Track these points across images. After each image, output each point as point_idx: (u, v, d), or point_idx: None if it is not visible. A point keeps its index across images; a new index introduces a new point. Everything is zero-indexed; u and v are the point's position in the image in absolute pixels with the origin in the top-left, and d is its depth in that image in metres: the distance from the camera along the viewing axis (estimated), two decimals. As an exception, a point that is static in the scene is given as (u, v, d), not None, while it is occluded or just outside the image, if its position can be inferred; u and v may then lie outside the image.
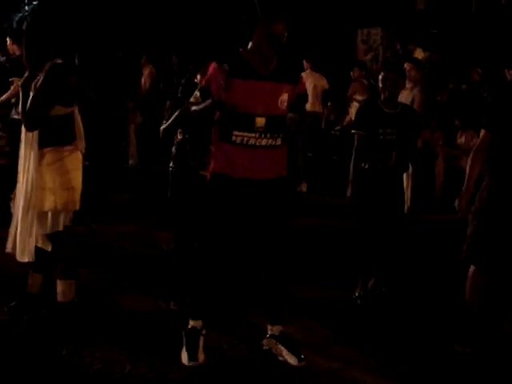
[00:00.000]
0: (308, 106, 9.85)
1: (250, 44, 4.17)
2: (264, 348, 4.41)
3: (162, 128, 4.93)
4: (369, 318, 5.14)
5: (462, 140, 9.52)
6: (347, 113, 11.07)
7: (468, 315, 4.55)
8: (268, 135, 4.15)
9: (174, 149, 5.05)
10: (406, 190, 6.44)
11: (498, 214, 4.40)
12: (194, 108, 4.27)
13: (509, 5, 13.62)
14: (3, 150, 5.05)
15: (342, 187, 9.50)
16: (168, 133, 4.91)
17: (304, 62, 10.24)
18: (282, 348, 4.32)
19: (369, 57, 14.67)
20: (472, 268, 4.52)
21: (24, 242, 4.53)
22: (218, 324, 4.72)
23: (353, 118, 10.21)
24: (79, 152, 4.69)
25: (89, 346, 4.35)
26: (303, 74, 9.97)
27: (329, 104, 11.23)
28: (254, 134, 4.12)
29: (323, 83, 10.41)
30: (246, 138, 4.12)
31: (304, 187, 9.96)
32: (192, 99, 4.16)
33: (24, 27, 4.85)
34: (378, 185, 5.39)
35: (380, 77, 5.44)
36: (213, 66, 4.11)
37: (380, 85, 5.43)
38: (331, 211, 8.68)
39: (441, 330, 4.92)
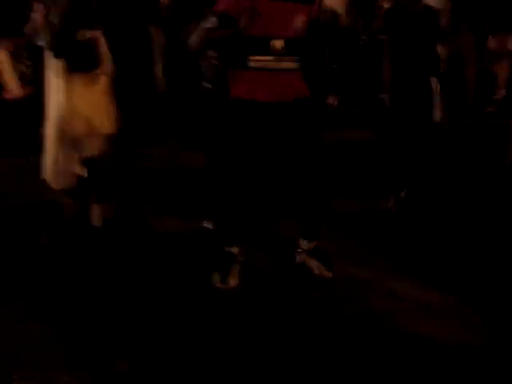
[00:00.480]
0: (329, 21, 9.71)
1: None
2: (298, 262, 4.45)
3: (189, 42, 4.79)
4: (403, 229, 5.15)
5: (493, 44, 9.30)
6: (374, 21, 10.78)
7: None
8: (287, 58, 4.07)
9: (208, 69, 4.94)
10: (436, 97, 6.35)
11: None
12: (212, 34, 4.12)
13: None
14: (31, 77, 5.04)
15: (372, 99, 9.55)
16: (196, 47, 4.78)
17: None
18: (316, 261, 4.37)
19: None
20: None
21: (58, 170, 4.58)
22: (253, 241, 4.74)
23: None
24: (107, 76, 4.68)
25: (124, 270, 4.42)
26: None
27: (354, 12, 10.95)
28: (271, 57, 4.03)
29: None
30: (263, 62, 4.04)
31: (335, 100, 9.79)
32: (209, 25, 4.02)
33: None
34: (406, 90, 5.33)
35: None
36: None
37: None
38: (363, 123, 8.60)
39: (477, 237, 4.92)
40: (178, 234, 5.01)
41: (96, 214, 4.75)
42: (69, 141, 4.54)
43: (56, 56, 4.43)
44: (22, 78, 5.07)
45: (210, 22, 4.03)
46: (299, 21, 4.07)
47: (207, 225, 5.01)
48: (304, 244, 4.44)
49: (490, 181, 6.14)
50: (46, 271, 4.36)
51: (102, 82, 4.63)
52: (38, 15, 5.54)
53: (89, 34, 4.48)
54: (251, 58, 4.04)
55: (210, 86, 4.84)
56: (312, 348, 3.54)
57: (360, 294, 4.12)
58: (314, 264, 4.38)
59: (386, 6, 10.12)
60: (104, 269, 4.40)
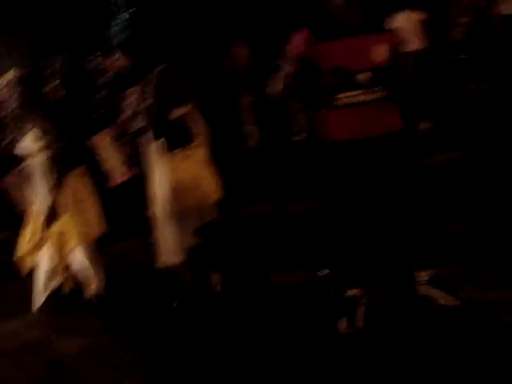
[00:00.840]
0: (408, 47, 9.66)
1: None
2: (419, 295, 4.39)
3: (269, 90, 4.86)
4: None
5: None
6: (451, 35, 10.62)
7: None
8: (375, 89, 4.06)
9: (296, 121, 4.97)
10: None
11: None
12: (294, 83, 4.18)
13: None
14: (135, 160, 5.26)
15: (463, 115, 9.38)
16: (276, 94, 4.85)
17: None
18: (437, 291, 4.30)
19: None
20: None
21: (173, 245, 4.72)
22: (372, 281, 4.73)
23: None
24: (204, 147, 4.83)
25: (253, 329, 4.47)
26: (397, 17, 9.78)
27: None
28: (359, 91, 4.04)
29: (418, 16, 9.98)
30: (351, 97, 4.05)
31: (427, 124, 9.72)
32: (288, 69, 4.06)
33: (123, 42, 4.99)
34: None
35: None
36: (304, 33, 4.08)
37: None
38: (462, 142, 8.45)
39: None
40: (297, 285, 5.04)
41: (215, 281, 4.85)
42: (178, 215, 4.67)
43: (156, 137, 4.61)
44: (126, 161, 5.28)
45: (289, 66, 4.09)
46: (381, 50, 4.07)
47: (323, 273, 5.03)
48: (421, 275, 4.39)
49: None
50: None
51: (201, 152, 4.78)
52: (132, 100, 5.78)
53: (180, 111, 4.64)
54: (339, 96, 4.05)
55: (300, 137, 4.91)
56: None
57: (495, 316, 4.05)
58: (435, 293, 4.31)
59: (462, 21, 10.03)
60: (234, 330, 4.48)
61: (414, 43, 9.66)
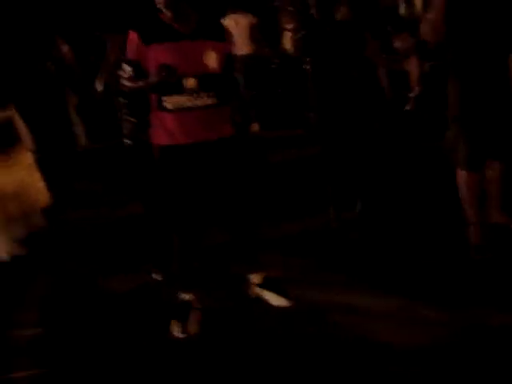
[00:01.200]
0: (237, 49, 9.84)
1: None
2: (252, 297, 4.46)
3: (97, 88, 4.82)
4: (351, 243, 5.21)
5: (397, 44, 9.53)
6: (280, 43, 10.97)
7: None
8: (202, 94, 4.03)
9: (124, 124, 4.96)
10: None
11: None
12: (129, 85, 4.11)
13: None
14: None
15: (294, 118, 9.69)
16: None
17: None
18: (269, 292, 4.38)
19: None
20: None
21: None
22: (205, 285, 4.72)
23: (287, 48, 10.24)
24: (27, 151, 4.66)
25: (82, 334, 4.36)
26: (224, 20, 9.88)
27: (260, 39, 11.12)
28: (185, 97, 4.02)
29: (248, 20, 10.14)
30: (177, 102, 4.02)
31: (256, 127, 9.94)
32: (124, 74, 4.01)
33: None
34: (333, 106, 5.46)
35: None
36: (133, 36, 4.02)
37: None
38: (290, 144, 8.69)
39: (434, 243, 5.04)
40: (129, 290, 4.95)
41: (46, 285, 4.70)
42: (3, 223, 4.49)
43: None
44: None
45: (124, 71, 4.02)
46: (211, 57, 4.07)
47: (156, 276, 4.99)
48: (252, 278, 4.46)
49: (431, 183, 6.26)
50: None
51: (24, 158, 4.61)
52: None
53: (2, 115, 4.45)
54: (165, 98, 4.01)
55: (129, 142, 4.86)
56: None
57: (321, 316, 4.17)
58: (267, 295, 4.39)
59: (289, 27, 10.34)
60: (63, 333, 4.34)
61: (243, 47, 9.82)
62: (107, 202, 7.62)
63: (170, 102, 4.01)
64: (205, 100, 4.05)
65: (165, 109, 4.03)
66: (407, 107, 9.24)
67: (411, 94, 9.36)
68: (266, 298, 4.40)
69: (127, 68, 4.00)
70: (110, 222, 6.84)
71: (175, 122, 4.04)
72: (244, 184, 4.29)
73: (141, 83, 4.03)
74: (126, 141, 4.91)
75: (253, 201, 4.38)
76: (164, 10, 4.00)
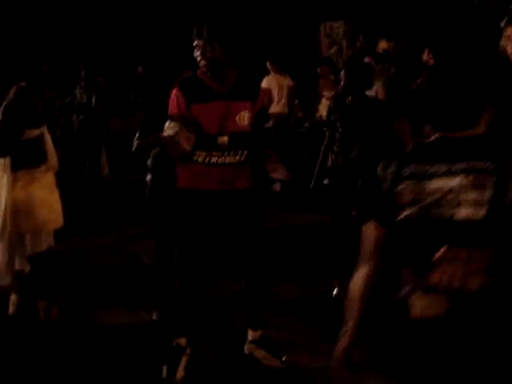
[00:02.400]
0: (275, 108, 10.09)
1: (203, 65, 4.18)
2: (246, 353, 4.47)
3: (135, 141, 4.90)
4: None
5: (429, 129, 9.60)
6: (316, 110, 11.10)
7: None
8: (231, 153, 4.19)
9: (149, 162, 5.05)
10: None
11: None
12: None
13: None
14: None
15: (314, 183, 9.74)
16: (141, 149, 4.90)
17: (268, 63, 10.33)
18: (263, 352, 4.39)
19: (333, 51, 14.75)
20: None
21: (2, 266, 4.57)
22: (202, 332, 4.76)
23: (323, 115, 10.36)
24: (52, 172, 4.73)
25: (72, 364, 4.40)
26: (266, 78, 10.16)
27: (296, 101, 11.29)
28: (216, 153, 4.17)
29: (287, 82, 10.43)
30: (208, 157, 4.17)
31: (278, 186, 10.01)
32: (167, 131, 4.11)
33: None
34: (350, 177, 5.50)
35: (342, 73, 5.60)
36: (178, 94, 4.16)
37: (342, 82, 5.57)
38: (307, 207, 8.73)
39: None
40: (126, 327, 4.99)
41: (42, 310, 4.72)
42: (14, 237, 4.54)
43: (0, 155, 4.48)
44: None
45: (168, 128, 4.12)
46: (244, 117, 4.21)
47: (156, 316, 5.01)
48: (250, 334, 4.47)
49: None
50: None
51: (48, 177, 4.67)
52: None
53: (34, 132, 4.54)
54: (198, 153, 4.14)
55: (151, 177, 4.95)
56: None
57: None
58: (261, 354, 4.40)
59: (327, 94, 10.49)
60: (51, 364, 4.36)
61: (278, 107, 10.10)
62: (119, 231, 7.70)
63: (201, 155, 4.15)
64: (232, 158, 4.19)
65: (195, 161, 4.17)
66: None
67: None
68: (259, 356, 4.40)
69: (171, 124, 4.10)
70: (117, 252, 6.90)
71: (201, 171, 4.19)
72: (255, 236, 4.35)
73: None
74: (150, 177, 4.98)
75: (265, 257, 4.42)
76: (204, 71, 4.16)
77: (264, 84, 10.23)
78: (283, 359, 4.35)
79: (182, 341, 4.34)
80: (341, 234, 5.57)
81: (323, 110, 10.42)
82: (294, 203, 9.10)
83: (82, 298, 5.56)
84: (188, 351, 4.33)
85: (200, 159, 4.16)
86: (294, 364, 4.35)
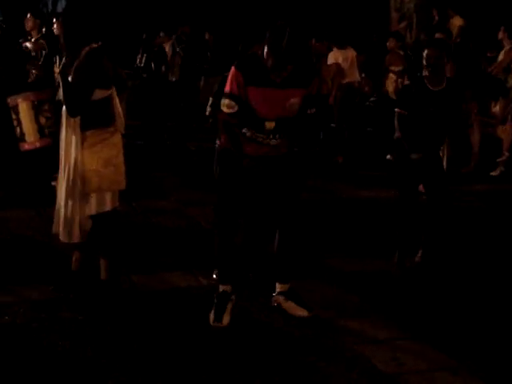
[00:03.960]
0: (344, 80, 10.16)
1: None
2: (273, 304, 4.71)
3: (209, 106, 5.09)
4: (405, 291, 5.21)
5: (496, 109, 9.47)
6: (383, 84, 10.99)
7: None
8: (277, 136, 4.44)
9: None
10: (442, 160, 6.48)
11: None
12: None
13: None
14: (51, 130, 5.19)
15: (377, 159, 9.71)
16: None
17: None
18: (292, 303, 4.63)
19: (402, 25, 14.53)
20: None
21: (70, 224, 4.68)
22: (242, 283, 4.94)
23: (389, 90, 10.29)
24: (119, 133, 4.81)
25: (130, 322, 4.52)
26: (331, 54, 10.24)
27: (363, 75, 11.21)
28: (262, 136, 4.43)
29: (351, 54, 10.38)
30: (254, 136, 4.45)
31: (340, 159, 10.02)
32: (226, 109, 4.37)
33: (61, 10, 4.90)
34: (417, 160, 5.51)
35: (424, 54, 5.48)
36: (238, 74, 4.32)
37: (424, 62, 5.46)
38: (367, 182, 8.71)
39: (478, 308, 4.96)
40: (184, 290, 5.10)
41: (103, 269, 4.84)
42: (81, 196, 4.64)
43: (72, 116, 4.57)
44: (41, 130, 5.19)
45: (231, 106, 4.35)
46: (294, 104, 4.38)
47: (216, 276, 5.08)
48: (279, 286, 4.72)
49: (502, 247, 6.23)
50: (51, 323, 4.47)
51: (115, 139, 4.76)
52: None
53: (104, 93, 4.62)
54: (245, 130, 4.44)
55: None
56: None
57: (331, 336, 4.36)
58: (288, 305, 4.64)
59: (395, 68, 10.37)
60: (105, 325, 4.48)
61: (347, 77, 10.11)
62: (180, 195, 7.81)
63: (248, 133, 4.45)
64: (276, 141, 4.47)
65: (242, 134, 4.46)
66: (493, 173, 9.14)
67: (500, 159, 9.26)
68: (286, 306, 4.65)
69: (232, 103, 4.34)
70: (177, 216, 7.01)
71: (246, 145, 4.47)
72: (295, 192, 4.60)
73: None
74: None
75: (315, 228, 4.54)
76: (266, 58, 4.21)
77: (330, 60, 10.24)
78: (310, 308, 4.59)
79: (228, 288, 4.61)
80: (406, 209, 5.59)
81: (390, 84, 10.35)
82: (356, 176, 9.09)
83: (142, 259, 5.69)
84: (233, 297, 4.60)
85: (247, 134, 4.44)
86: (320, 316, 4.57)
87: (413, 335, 4.42)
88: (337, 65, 10.14)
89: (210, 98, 5.49)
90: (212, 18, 13.59)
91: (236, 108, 4.32)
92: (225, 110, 4.38)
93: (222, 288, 4.62)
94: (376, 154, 10.18)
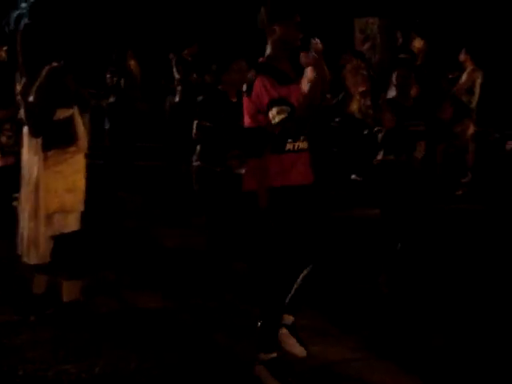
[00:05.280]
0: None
1: (268, 51, 4.09)
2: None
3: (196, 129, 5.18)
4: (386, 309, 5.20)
5: (459, 130, 9.56)
6: (347, 105, 11.01)
7: None
8: (303, 137, 4.11)
9: (199, 148, 5.37)
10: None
11: None
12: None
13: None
14: (12, 149, 5.13)
15: (343, 179, 9.74)
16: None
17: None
18: (293, 339, 4.26)
19: (366, 46, 14.64)
20: None
21: (32, 245, 4.61)
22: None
23: (353, 109, 10.34)
24: (82, 153, 4.75)
25: (94, 344, 4.44)
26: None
27: (328, 96, 11.22)
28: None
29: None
30: (294, 144, 4.05)
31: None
32: (278, 118, 3.88)
33: (20, 29, 4.80)
34: (403, 175, 5.61)
35: (394, 75, 5.72)
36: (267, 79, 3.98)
37: (394, 82, 5.72)
38: (337, 202, 8.69)
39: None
40: (146, 310, 5.05)
41: (65, 291, 4.76)
42: (44, 216, 4.57)
43: (34, 135, 4.50)
44: (1, 149, 5.13)
45: (286, 110, 3.92)
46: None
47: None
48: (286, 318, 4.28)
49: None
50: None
51: (78, 158, 4.70)
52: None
53: (65, 113, 4.56)
54: (290, 140, 4.02)
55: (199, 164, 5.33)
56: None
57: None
58: (290, 342, 4.25)
59: (360, 89, 10.43)
60: (67, 346, 4.41)
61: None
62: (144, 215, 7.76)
63: (290, 143, 4.03)
64: (303, 144, 4.11)
65: (287, 151, 4.03)
66: (457, 193, 9.22)
67: (463, 180, 9.35)
68: (288, 342, 4.26)
69: (285, 107, 3.91)
70: (141, 235, 6.95)
71: (293, 163, 4.04)
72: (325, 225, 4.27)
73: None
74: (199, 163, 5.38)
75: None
76: (283, 60, 4.08)
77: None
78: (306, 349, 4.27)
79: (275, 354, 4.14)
80: (391, 228, 5.62)
81: (354, 105, 10.40)
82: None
83: (104, 280, 5.63)
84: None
85: (290, 147, 4.03)
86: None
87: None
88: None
89: (195, 122, 5.39)
90: (179, 39, 13.53)
91: (289, 109, 3.90)
92: (277, 120, 3.89)
93: (270, 356, 4.06)
94: (342, 174, 10.21)
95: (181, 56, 11.49)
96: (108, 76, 11.31)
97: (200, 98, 5.53)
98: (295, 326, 4.32)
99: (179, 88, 11.04)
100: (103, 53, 12.31)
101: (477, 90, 9.68)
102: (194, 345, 4.46)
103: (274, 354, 4.07)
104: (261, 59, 4.11)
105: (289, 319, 4.30)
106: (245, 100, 4.08)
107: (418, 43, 12.15)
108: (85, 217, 4.82)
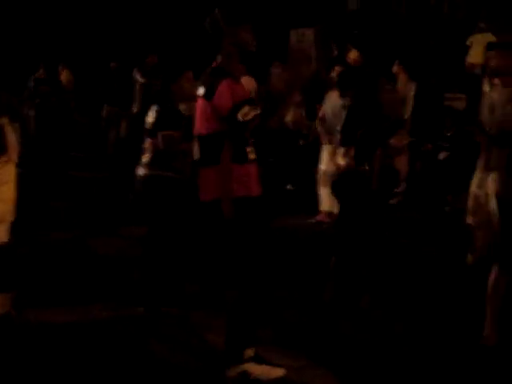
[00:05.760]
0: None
1: (220, 57, 4.04)
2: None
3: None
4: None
5: (393, 141, 9.69)
6: (284, 115, 11.08)
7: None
8: (251, 148, 4.08)
9: (148, 158, 5.23)
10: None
11: None
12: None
13: (437, 5, 13.92)
14: None
15: (278, 190, 9.76)
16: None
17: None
18: (263, 366, 4.16)
19: (301, 57, 14.77)
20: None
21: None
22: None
23: (288, 120, 10.41)
24: (12, 163, 4.68)
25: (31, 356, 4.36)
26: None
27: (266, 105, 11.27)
28: (251, 148, 4.07)
29: (252, 84, 10.36)
30: (252, 153, 4.06)
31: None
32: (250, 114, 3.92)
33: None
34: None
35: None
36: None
37: None
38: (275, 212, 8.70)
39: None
40: (77, 323, 4.96)
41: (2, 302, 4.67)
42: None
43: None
44: None
45: (254, 109, 3.97)
46: None
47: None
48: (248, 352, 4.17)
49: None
50: None
51: (8, 168, 4.62)
52: None
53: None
54: (248, 149, 4.02)
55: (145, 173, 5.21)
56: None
57: None
58: (261, 370, 4.13)
59: (294, 100, 10.49)
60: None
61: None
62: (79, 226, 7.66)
63: (250, 152, 4.03)
64: (254, 154, 4.10)
65: (248, 160, 4.02)
66: (391, 201, 9.33)
67: (397, 189, 9.47)
68: (255, 372, 4.11)
69: (254, 106, 4.00)
70: (77, 246, 6.86)
71: (252, 173, 4.04)
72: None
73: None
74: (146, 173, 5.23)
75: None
76: (236, 63, 4.07)
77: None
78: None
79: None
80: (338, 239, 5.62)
81: (289, 115, 10.46)
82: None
83: (37, 293, 5.51)
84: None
85: (250, 156, 4.02)
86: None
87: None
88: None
89: (159, 133, 5.27)
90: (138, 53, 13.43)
91: (258, 107, 3.99)
92: (250, 116, 3.94)
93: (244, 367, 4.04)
94: (277, 184, 10.23)
95: (142, 64, 11.51)
96: (31, 85, 11.21)
97: (155, 107, 5.31)
98: (258, 355, 4.18)
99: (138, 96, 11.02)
100: (32, 62, 12.16)
101: (410, 102, 9.87)
102: (129, 355, 4.40)
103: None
104: (214, 64, 4.06)
105: (252, 351, 4.15)
106: (202, 104, 4.00)
107: (353, 54, 12.34)
108: (14, 228, 4.76)
